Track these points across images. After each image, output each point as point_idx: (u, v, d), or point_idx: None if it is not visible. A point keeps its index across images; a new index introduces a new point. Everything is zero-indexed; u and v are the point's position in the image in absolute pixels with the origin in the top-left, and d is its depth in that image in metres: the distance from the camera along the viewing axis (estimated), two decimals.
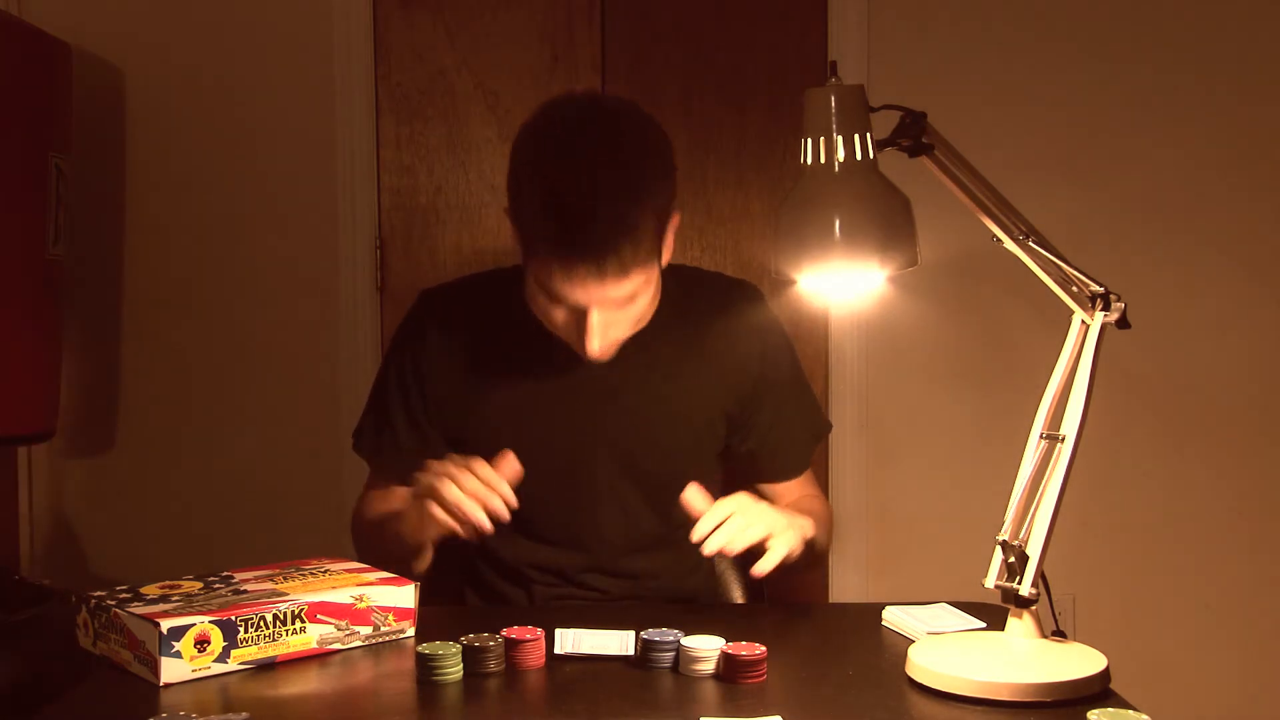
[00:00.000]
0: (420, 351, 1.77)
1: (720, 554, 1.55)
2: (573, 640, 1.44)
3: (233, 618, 1.37)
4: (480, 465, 1.53)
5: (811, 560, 1.70)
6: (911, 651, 1.38)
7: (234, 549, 2.74)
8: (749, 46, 2.89)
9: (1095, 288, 1.36)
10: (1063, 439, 1.35)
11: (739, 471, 1.84)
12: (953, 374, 2.92)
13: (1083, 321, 1.38)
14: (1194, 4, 2.88)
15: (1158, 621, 2.94)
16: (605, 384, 1.73)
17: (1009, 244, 1.39)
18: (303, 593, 1.44)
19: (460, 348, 1.76)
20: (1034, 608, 1.36)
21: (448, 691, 1.33)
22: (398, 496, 1.80)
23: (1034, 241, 1.37)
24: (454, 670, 1.35)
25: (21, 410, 2.49)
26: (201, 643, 1.34)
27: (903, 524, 2.93)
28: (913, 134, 1.37)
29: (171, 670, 1.33)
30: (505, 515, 1.51)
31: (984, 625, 1.50)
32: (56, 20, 2.69)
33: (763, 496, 1.85)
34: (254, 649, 1.38)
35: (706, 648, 1.37)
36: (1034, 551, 1.34)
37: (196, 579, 1.51)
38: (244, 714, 1.22)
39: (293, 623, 1.41)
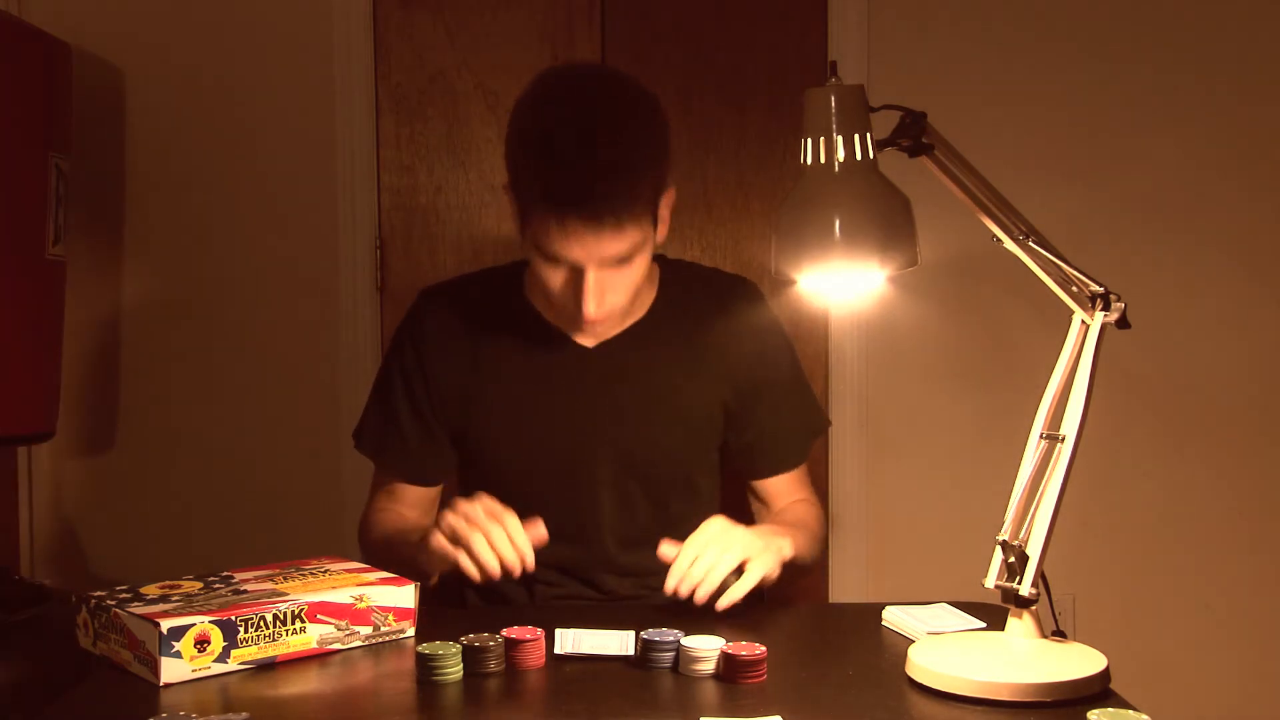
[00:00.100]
0: (422, 348, 1.78)
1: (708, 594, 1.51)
2: (573, 640, 1.44)
3: (233, 618, 1.37)
4: (511, 520, 1.52)
5: (793, 576, 1.67)
6: (911, 651, 1.38)
7: (234, 549, 2.74)
8: (749, 46, 2.89)
9: (1095, 288, 1.36)
10: (1063, 439, 1.35)
11: (737, 466, 1.85)
12: (953, 374, 2.91)
13: (1083, 321, 1.38)
14: (1194, 4, 2.87)
15: (1158, 621, 2.94)
16: (605, 379, 1.73)
17: (1009, 244, 1.39)
18: (303, 593, 1.44)
19: (461, 344, 1.77)
20: (1034, 608, 1.36)
21: (448, 691, 1.33)
22: (407, 505, 1.81)
23: (1034, 241, 1.37)
24: (454, 670, 1.35)
25: (21, 410, 2.49)
26: (201, 643, 1.35)
27: (903, 524, 2.92)
28: (913, 134, 1.37)
29: (171, 670, 1.33)
30: (517, 574, 1.52)
31: (984, 625, 1.50)
32: (56, 20, 2.68)
33: (758, 497, 1.86)
34: (254, 649, 1.38)
35: (706, 648, 1.37)
36: (1034, 551, 1.34)
37: (196, 579, 1.51)
38: (244, 714, 1.22)
39: (293, 623, 1.41)
